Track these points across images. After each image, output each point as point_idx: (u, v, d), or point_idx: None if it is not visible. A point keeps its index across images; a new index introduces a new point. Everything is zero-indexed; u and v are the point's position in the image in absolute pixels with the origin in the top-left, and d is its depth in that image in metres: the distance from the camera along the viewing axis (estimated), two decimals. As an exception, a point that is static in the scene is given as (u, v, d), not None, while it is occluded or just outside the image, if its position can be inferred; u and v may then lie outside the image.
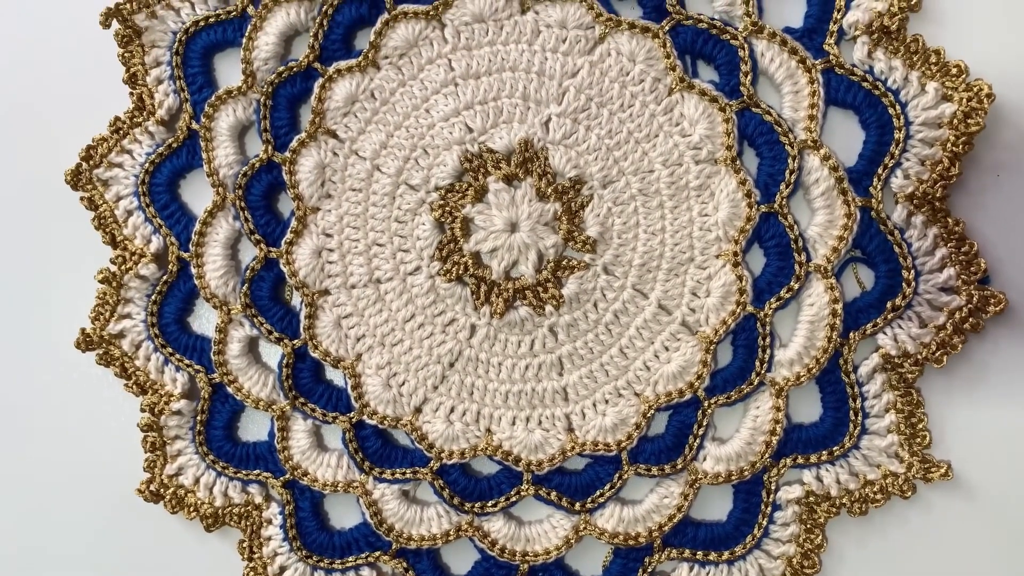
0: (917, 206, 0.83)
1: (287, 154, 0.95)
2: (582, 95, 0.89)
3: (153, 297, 1.01)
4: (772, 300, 0.87)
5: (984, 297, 0.83)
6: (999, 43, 0.82)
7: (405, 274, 0.95)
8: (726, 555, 0.93)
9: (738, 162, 0.87)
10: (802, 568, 0.91)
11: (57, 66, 1.04)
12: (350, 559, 1.00)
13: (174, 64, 0.97)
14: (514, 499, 0.96)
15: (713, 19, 0.86)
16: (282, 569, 1.01)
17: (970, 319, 0.84)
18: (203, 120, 0.96)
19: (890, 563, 0.91)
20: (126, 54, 0.98)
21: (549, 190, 0.90)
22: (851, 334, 0.87)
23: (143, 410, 1.01)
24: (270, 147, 0.95)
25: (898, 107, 0.83)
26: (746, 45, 0.85)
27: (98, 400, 1.06)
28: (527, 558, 0.96)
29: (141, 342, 1.02)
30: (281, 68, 0.94)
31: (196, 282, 0.99)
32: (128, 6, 0.96)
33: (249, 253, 0.99)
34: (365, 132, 0.94)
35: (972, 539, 0.90)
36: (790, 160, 0.85)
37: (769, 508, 0.92)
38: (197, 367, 1.01)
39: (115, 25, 0.97)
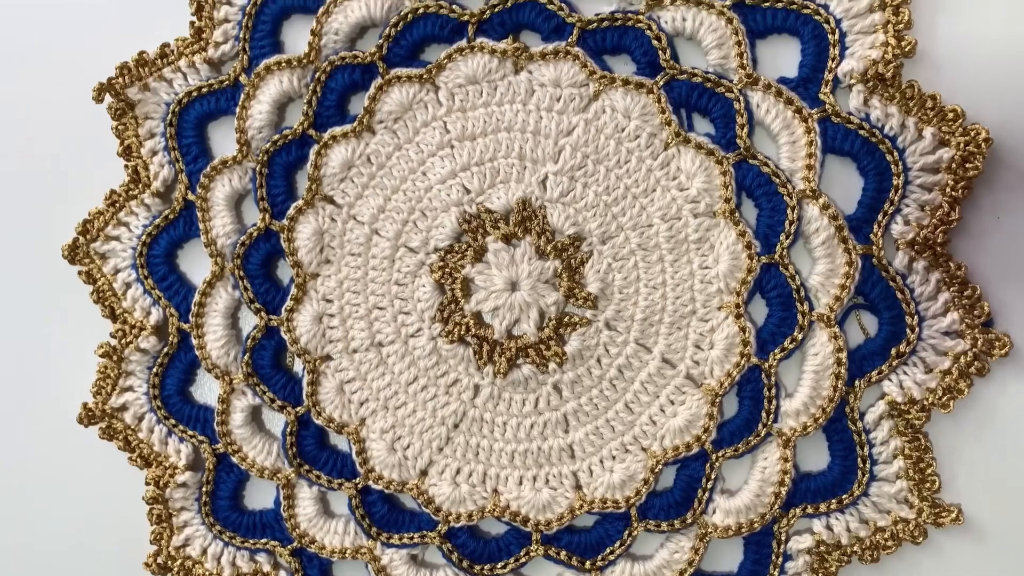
0: (918, 252, 0.80)
1: (285, 222, 0.92)
2: (578, 153, 0.86)
3: (155, 369, 0.98)
4: (776, 351, 0.85)
5: (989, 340, 0.81)
6: (995, 86, 0.80)
7: (407, 337, 0.92)
8: (739, 607, 0.89)
9: (737, 214, 0.84)
10: (816, 617, 0.87)
11: (52, 140, 1.01)
12: (362, 626, 0.96)
13: (168, 135, 0.94)
14: (524, 560, 0.93)
15: (707, 72, 0.83)
16: (294, 638, 0.97)
17: (975, 363, 0.81)
18: (199, 190, 0.94)
19: (903, 609, 0.87)
20: (120, 127, 0.95)
21: (548, 248, 0.88)
22: (856, 382, 0.84)
23: (148, 483, 0.97)
24: (267, 215, 0.93)
25: (896, 153, 0.80)
26: (741, 97, 0.83)
27: (102, 474, 1.02)
28: (539, 618, 0.92)
29: (144, 414, 0.99)
30: (276, 136, 0.91)
31: (197, 353, 0.96)
32: (120, 80, 0.93)
33: (249, 322, 0.96)
34: (363, 197, 0.91)
35: (984, 582, 0.85)
36: (789, 211, 0.82)
37: (780, 559, 0.89)
38: (201, 438, 0.98)
39: (108, 99, 0.93)
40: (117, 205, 0.97)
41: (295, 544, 0.98)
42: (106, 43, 0.97)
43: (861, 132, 0.82)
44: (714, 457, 0.88)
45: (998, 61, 0.81)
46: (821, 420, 0.85)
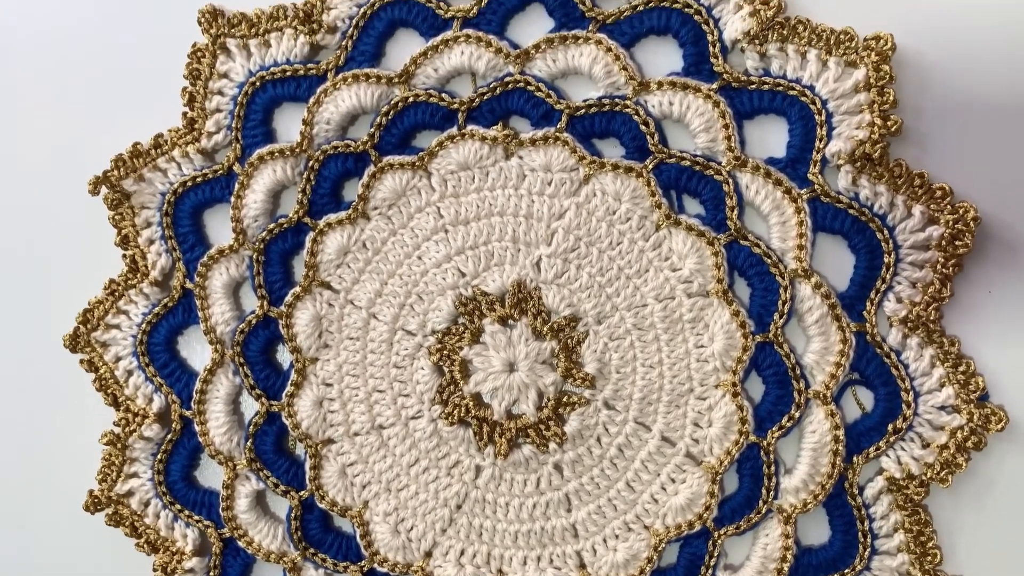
0: (912, 328, 0.81)
1: (283, 308, 0.93)
2: (571, 235, 0.86)
3: (159, 456, 0.99)
4: (774, 429, 0.85)
5: (985, 415, 0.81)
6: (981, 161, 0.80)
7: (407, 419, 0.92)
8: None
9: (730, 294, 0.84)
10: None
11: (50, 231, 1.03)
12: None
13: (164, 225, 0.95)
14: (530, 639, 0.92)
15: (696, 156, 0.84)
16: None
17: (972, 437, 0.81)
18: (197, 279, 0.94)
19: None
20: (116, 216, 0.96)
21: (545, 329, 0.88)
22: (855, 458, 0.84)
23: (155, 570, 0.98)
24: (265, 302, 0.93)
25: (886, 232, 0.81)
26: (730, 180, 0.83)
27: (109, 561, 1.04)
28: None
29: (149, 500, 1.00)
30: (272, 225, 0.92)
31: (200, 439, 0.97)
32: (116, 172, 0.94)
33: (251, 406, 0.96)
34: (359, 282, 0.92)
35: (989, 651, 0.86)
36: (782, 290, 0.83)
37: (785, 633, 0.88)
38: (207, 522, 0.98)
39: (103, 190, 0.94)
40: (116, 294, 0.98)
41: (303, 626, 0.98)
42: (100, 133, 0.98)
43: (851, 211, 0.82)
44: (716, 535, 0.88)
45: (984, 137, 0.81)
46: (821, 497, 0.85)
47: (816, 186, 0.82)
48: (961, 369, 0.82)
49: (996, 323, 0.82)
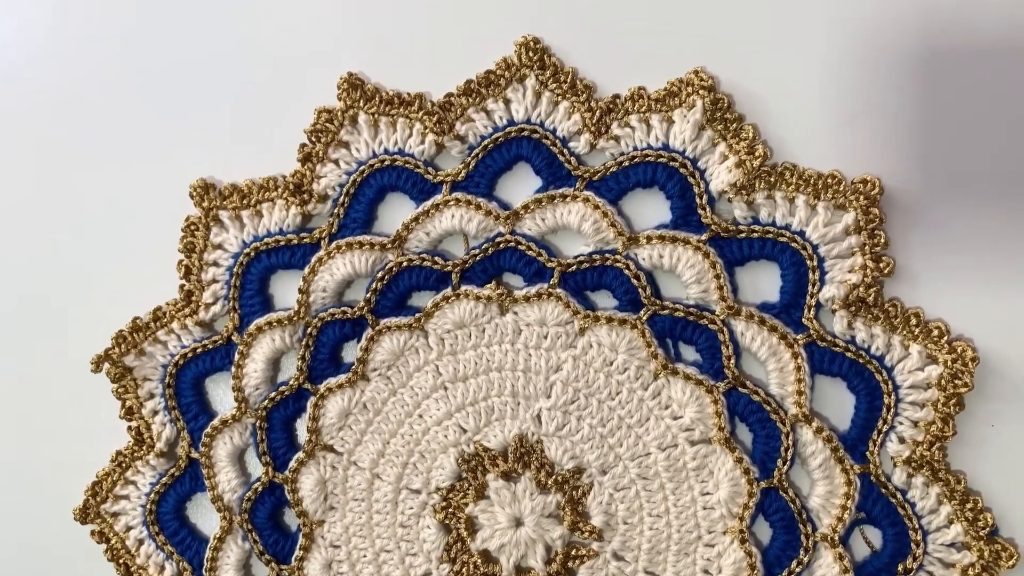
0: (916, 467, 0.78)
1: (287, 474, 0.90)
2: (569, 387, 0.84)
3: (175, 623, 0.95)
4: (784, 574, 0.83)
5: (995, 551, 0.78)
6: (977, 295, 0.78)
7: (416, 578, 0.89)
8: None
9: (732, 441, 0.82)
10: None
11: (57, 403, 1.01)
12: None
13: (167, 396, 0.94)
14: None
15: (689, 307, 0.81)
16: None
17: (984, 574, 0.78)
18: (202, 448, 0.92)
19: None
20: (119, 389, 0.95)
21: (549, 482, 0.86)
22: (867, 601, 0.80)
23: None
24: (270, 468, 0.91)
25: (884, 373, 0.78)
26: (725, 329, 0.81)
27: None
28: None
29: (168, 667, 0.96)
30: (273, 393, 0.90)
31: (214, 606, 0.93)
32: (117, 349, 0.92)
33: (262, 571, 0.95)
34: (362, 443, 0.90)
35: None
36: (783, 436, 0.80)
37: None
38: None
39: (106, 365, 0.92)
40: (124, 466, 0.97)
41: None
42: (99, 307, 0.97)
43: (848, 354, 0.79)
44: None
45: (977, 270, 0.79)
46: (835, 642, 0.81)
47: (812, 331, 0.80)
48: (969, 506, 0.79)
49: (1001, 457, 0.80)
